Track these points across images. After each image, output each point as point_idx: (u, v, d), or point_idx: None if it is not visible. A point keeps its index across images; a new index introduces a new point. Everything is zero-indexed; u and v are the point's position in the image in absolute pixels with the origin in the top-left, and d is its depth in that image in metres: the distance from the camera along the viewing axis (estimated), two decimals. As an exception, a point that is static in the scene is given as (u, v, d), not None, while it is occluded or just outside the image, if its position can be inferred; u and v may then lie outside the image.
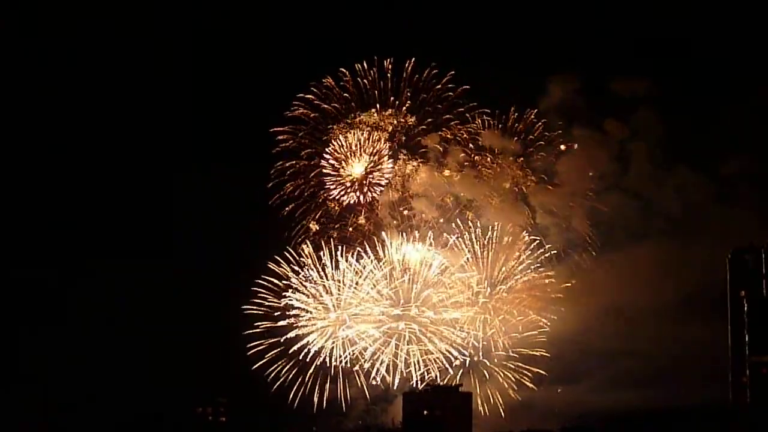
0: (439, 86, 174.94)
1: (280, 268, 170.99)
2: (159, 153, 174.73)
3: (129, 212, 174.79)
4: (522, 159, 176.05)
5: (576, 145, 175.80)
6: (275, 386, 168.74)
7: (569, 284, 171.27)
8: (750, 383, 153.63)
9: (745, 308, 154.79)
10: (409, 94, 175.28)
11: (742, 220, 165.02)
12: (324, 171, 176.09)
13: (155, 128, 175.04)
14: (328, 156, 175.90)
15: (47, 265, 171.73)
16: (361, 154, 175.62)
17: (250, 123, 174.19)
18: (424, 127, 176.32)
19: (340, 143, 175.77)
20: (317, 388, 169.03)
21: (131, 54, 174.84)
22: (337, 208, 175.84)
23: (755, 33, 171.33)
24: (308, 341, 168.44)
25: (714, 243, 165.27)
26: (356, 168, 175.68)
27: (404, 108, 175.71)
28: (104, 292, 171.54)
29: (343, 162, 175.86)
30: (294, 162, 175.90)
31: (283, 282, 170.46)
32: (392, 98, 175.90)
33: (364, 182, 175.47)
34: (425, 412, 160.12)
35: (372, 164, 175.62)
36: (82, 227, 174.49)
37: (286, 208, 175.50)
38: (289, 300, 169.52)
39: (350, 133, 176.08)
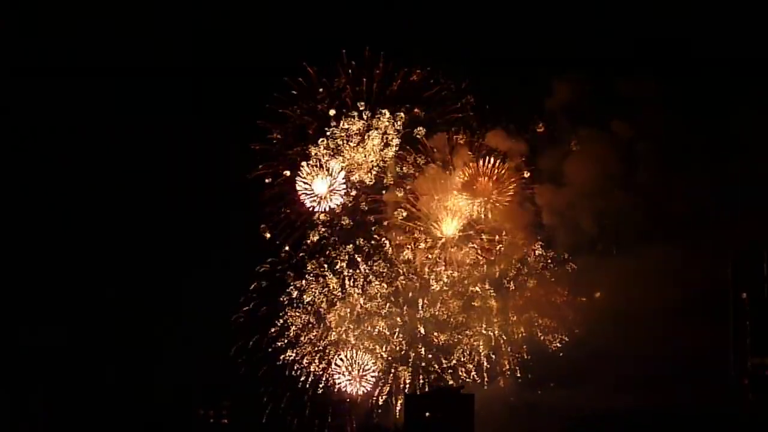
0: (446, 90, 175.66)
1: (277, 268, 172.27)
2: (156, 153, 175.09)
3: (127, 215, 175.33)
4: (528, 159, 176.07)
5: (582, 146, 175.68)
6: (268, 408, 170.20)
7: (583, 299, 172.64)
8: (751, 385, 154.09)
9: (747, 310, 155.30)
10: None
11: (750, 222, 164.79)
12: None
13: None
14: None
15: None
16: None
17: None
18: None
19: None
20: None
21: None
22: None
23: (764, 33, 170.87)
24: (305, 363, 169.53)
25: (721, 244, 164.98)
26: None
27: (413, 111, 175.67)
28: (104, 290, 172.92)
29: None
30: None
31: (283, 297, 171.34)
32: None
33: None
34: (427, 414, 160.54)
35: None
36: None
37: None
38: (287, 317, 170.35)
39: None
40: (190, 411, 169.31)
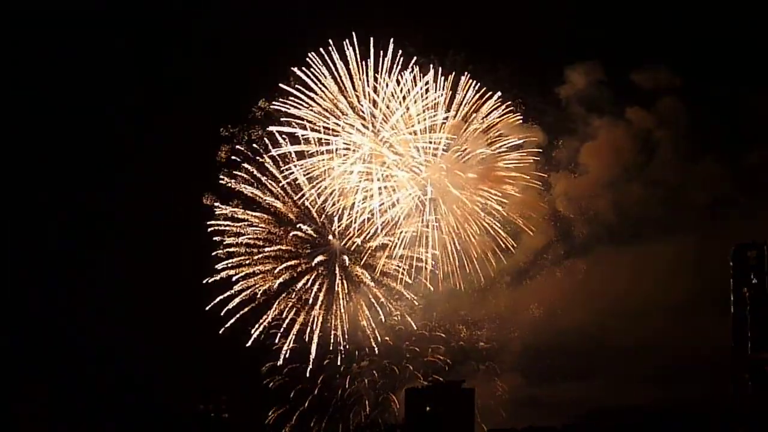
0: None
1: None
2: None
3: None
4: (544, 148, 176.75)
5: (599, 135, 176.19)
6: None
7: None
8: (752, 380, 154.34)
9: (747, 305, 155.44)
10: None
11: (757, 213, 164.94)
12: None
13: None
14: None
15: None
16: None
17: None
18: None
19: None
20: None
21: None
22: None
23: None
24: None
25: (738, 236, 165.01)
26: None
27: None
28: (102, 287, 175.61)
29: None
30: None
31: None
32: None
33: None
34: (427, 408, 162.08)
35: None
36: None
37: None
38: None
39: None
40: (190, 406, 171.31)
